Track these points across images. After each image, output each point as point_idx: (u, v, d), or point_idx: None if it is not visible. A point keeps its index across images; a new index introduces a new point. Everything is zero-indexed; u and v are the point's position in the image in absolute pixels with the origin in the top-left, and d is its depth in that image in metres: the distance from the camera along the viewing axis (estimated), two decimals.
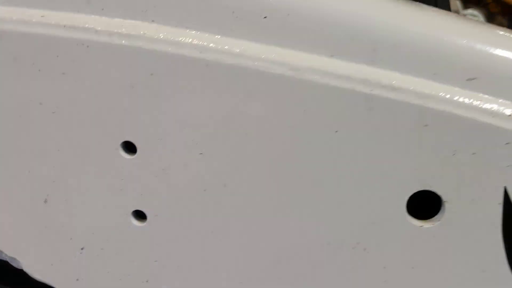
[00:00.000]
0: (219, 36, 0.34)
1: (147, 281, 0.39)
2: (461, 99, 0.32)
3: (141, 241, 0.38)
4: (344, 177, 0.34)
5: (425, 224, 0.34)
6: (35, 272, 0.41)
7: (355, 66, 0.33)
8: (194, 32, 0.34)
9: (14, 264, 0.42)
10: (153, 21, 0.34)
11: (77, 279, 0.40)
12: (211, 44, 0.34)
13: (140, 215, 0.38)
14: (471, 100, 0.32)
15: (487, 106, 0.32)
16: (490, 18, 0.46)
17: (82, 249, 0.39)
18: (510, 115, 0.31)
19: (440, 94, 0.32)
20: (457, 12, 0.46)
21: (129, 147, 0.37)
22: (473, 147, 0.32)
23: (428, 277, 0.35)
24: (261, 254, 0.37)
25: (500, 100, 0.32)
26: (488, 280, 0.34)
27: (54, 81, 0.36)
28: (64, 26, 0.35)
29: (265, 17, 0.33)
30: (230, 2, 0.33)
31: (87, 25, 0.35)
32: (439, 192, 0.33)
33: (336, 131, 0.33)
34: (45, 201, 0.39)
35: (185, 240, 0.38)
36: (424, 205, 0.35)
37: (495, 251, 0.33)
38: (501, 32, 0.33)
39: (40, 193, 0.38)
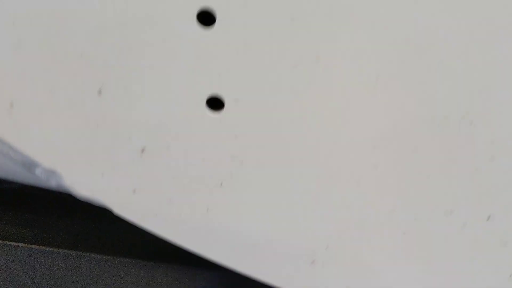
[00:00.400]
0: None
1: (221, 184, 0.34)
2: None
3: (216, 134, 0.33)
4: (452, 42, 0.31)
5: None
6: (81, 187, 0.34)
7: None
8: None
9: (53, 182, 0.34)
10: None
11: (134, 191, 0.34)
12: None
13: (215, 104, 0.33)
14: None
15: None
16: None
17: (142, 151, 0.33)
18: None
19: None
20: None
21: (206, 17, 0.31)
22: None
23: None
24: (357, 137, 0.33)
25: None
26: None
27: None
28: None
29: None
30: None
31: None
32: None
33: None
34: (99, 92, 0.32)
35: (268, 129, 0.33)
36: None
37: None
38: None
39: (93, 82, 0.32)
